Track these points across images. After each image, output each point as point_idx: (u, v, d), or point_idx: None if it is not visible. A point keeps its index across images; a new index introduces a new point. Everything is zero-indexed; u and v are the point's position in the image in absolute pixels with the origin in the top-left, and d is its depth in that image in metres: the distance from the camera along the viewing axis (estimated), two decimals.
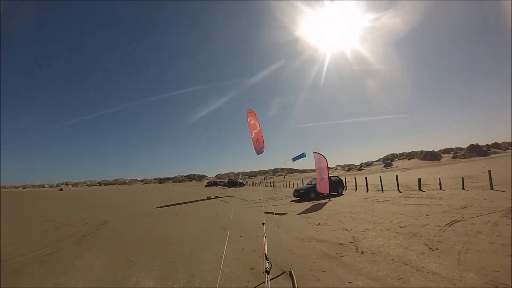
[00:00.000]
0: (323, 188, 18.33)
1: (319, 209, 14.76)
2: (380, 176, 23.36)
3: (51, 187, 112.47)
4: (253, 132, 10.87)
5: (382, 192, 19.46)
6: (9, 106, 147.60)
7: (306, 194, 20.36)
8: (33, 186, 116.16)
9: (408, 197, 15.55)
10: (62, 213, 19.42)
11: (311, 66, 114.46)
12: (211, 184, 73.03)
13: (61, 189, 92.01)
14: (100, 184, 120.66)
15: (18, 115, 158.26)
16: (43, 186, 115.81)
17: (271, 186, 52.92)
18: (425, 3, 75.35)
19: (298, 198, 20.93)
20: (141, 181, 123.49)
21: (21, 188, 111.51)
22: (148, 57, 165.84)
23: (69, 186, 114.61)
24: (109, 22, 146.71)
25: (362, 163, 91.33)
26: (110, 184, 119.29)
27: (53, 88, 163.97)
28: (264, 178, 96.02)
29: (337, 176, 23.68)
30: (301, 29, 79.62)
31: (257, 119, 11.01)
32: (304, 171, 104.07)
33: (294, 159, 16.49)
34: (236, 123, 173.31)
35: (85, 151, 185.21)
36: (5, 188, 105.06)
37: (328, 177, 18.55)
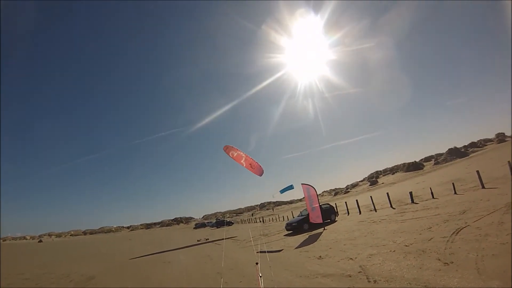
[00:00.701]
0: (316, 217, 17.76)
1: (316, 240, 14.12)
2: (371, 197, 23.03)
3: (33, 239, 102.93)
4: (241, 162, 10.92)
5: (376, 211, 19.06)
6: None
7: (299, 226, 19.60)
8: (13, 238, 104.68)
9: (404, 212, 15.23)
10: (44, 268, 17.21)
11: (287, 96, 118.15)
12: (199, 225, 71.17)
13: (40, 241, 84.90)
14: (85, 233, 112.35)
15: None
16: (24, 237, 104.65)
17: (260, 221, 51.46)
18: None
19: (291, 231, 20.20)
20: (128, 227, 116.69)
21: (1, 240, 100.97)
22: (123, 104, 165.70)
23: (52, 237, 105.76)
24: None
25: (348, 185, 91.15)
26: (96, 232, 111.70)
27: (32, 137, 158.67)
28: (252, 214, 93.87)
29: (328, 203, 23.14)
30: (275, 58, 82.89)
31: (237, 149, 11.07)
32: (291, 202, 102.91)
33: (282, 191, 16.15)
34: (217, 161, 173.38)
35: (69, 200, 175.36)
36: None
37: (319, 205, 18.09)
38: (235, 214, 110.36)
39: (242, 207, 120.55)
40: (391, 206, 18.80)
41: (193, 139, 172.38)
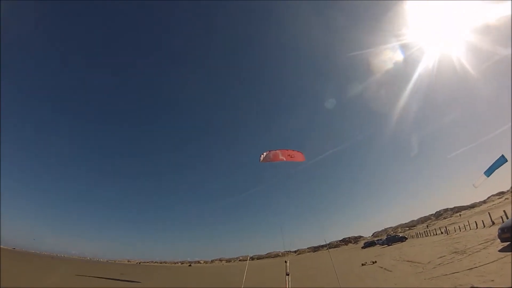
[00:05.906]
0: None
1: None
2: None
3: (206, 263, 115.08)
4: (280, 158, 10.73)
5: None
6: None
7: None
8: (189, 262, 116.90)
9: None
10: None
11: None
12: (368, 244, 62.43)
13: (190, 265, 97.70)
14: (252, 258, 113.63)
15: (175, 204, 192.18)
16: (198, 262, 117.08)
17: (441, 233, 39.16)
18: None
19: (509, 242, 11.70)
20: (295, 251, 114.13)
21: (179, 264, 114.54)
22: None
23: (223, 261, 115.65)
24: None
25: None
26: (263, 258, 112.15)
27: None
28: (427, 226, 76.40)
29: None
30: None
31: (269, 151, 10.83)
32: (473, 206, 77.86)
33: (489, 171, 9.38)
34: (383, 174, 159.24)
35: (239, 228, 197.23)
36: (166, 263, 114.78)
37: None
38: (407, 228, 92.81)
39: (415, 218, 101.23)
40: None
41: (346, 155, 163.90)
